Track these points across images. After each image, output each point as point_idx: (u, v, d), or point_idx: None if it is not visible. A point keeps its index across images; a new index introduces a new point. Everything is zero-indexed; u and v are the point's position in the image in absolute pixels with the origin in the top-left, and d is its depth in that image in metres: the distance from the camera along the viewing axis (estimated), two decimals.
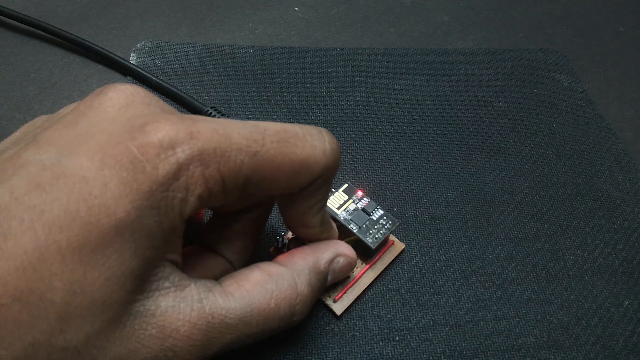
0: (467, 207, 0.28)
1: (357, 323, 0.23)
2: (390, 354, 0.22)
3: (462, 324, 0.23)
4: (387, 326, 0.23)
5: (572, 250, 0.26)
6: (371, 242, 0.23)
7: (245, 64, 0.34)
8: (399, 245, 0.25)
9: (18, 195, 0.14)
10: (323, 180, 0.18)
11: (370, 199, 0.25)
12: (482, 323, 0.23)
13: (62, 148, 0.15)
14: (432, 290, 0.24)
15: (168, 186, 0.14)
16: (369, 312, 0.23)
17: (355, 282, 0.23)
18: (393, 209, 0.27)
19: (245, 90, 0.32)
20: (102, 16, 0.37)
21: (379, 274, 0.24)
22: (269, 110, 0.31)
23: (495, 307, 0.24)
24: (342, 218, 0.24)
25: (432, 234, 0.26)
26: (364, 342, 0.22)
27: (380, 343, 0.22)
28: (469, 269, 0.25)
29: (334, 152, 0.18)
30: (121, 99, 0.16)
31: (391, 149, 0.30)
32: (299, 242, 0.22)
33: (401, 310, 0.23)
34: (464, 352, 0.22)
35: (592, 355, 0.23)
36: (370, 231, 0.23)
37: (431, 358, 0.22)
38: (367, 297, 0.24)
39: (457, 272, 0.25)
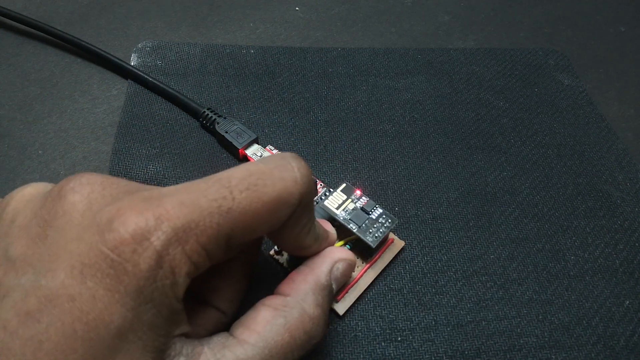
0: (468, 207, 0.28)
1: (360, 323, 0.23)
2: (392, 354, 0.22)
3: (463, 324, 0.23)
4: (389, 326, 0.23)
5: (572, 250, 0.26)
6: (371, 241, 0.23)
7: (246, 64, 0.34)
8: (398, 243, 0.25)
9: (12, 330, 0.13)
10: (303, 207, 0.18)
11: (369, 197, 0.25)
12: (483, 323, 0.23)
13: (38, 267, 0.14)
14: (433, 290, 0.24)
15: (154, 277, 0.14)
16: (371, 312, 0.23)
17: (356, 281, 0.23)
18: (394, 209, 0.27)
19: (246, 90, 0.32)
20: (102, 16, 0.37)
21: (380, 273, 0.24)
22: (270, 110, 0.31)
23: (496, 307, 0.24)
24: (341, 218, 0.24)
25: (434, 233, 0.26)
26: (366, 343, 0.22)
27: (383, 343, 0.22)
28: (471, 269, 0.25)
29: (306, 178, 0.17)
30: (83, 200, 0.16)
31: (392, 148, 0.30)
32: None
33: (403, 310, 0.24)
34: (466, 353, 0.22)
35: (593, 355, 0.23)
36: (370, 230, 0.23)
37: (433, 358, 0.22)
38: (369, 297, 0.24)
39: (459, 272, 0.25)
